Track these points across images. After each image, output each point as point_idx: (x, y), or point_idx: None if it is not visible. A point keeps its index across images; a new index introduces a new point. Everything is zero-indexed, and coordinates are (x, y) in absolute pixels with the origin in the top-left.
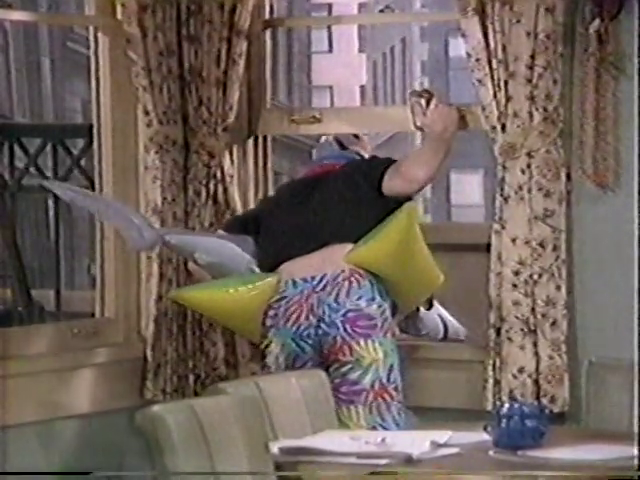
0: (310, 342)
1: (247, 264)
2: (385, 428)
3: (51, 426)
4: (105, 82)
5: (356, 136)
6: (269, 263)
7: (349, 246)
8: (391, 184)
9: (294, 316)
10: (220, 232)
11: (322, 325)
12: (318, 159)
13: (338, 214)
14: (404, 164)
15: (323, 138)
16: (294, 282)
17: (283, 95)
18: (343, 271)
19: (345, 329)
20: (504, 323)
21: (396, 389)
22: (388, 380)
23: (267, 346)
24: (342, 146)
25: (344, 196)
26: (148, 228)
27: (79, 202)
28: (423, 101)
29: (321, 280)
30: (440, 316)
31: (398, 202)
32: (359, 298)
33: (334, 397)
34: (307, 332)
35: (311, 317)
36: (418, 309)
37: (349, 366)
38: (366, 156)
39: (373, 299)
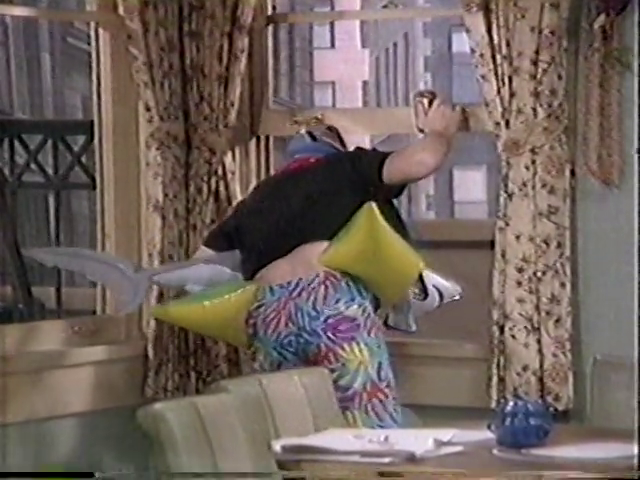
0: (292, 350)
1: (239, 282)
2: (383, 427)
3: (52, 424)
4: (106, 78)
5: (330, 128)
6: (250, 271)
7: (323, 245)
8: (394, 169)
9: (273, 324)
10: (207, 253)
11: (303, 334)
12: (291, 153)
13: (313, 209)
14: (409, 150)
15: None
16: (271, 289)
17: (285, 91)
18: (318, 275)
19: (327, 336)
20: (508, 320)
21: (388, 386)
22: (379, 379)
23: (254, 353)
24: (314, 138)
25: (323, 188)
26: (135, 273)
27: (63, 265)
28: (425, 101)
29: (297, 285)
30: (435, 286)
31: (376, 197)
32: (337, 301)
33: None
34: (288, 340)
35: (290, 325)
36: (409, 304)
37: (337, 372)
38: (341, 149)
39: (352, 299)
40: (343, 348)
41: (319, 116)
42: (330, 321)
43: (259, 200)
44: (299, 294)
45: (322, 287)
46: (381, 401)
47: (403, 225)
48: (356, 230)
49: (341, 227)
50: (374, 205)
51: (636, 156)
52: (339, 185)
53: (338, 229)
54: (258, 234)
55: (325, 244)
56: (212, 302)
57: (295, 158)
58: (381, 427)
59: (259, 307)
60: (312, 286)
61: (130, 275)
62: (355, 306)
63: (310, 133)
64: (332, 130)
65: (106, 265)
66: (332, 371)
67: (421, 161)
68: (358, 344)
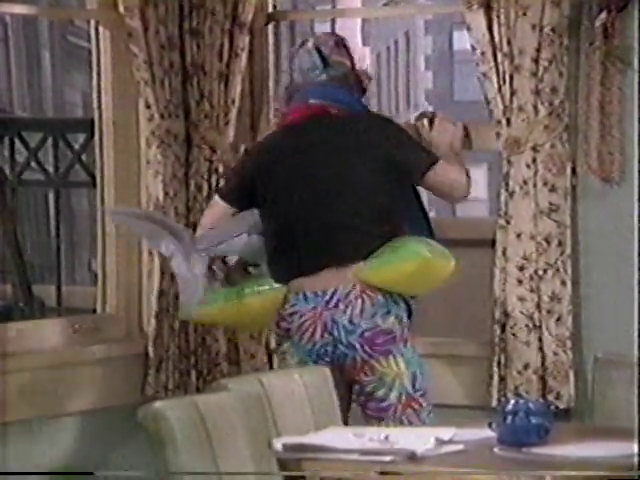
0: (327, 359)
1: (266, 279)
2: None
3: (52, 422)
4: (106, 76)
5: (337, 43)
6: (276, 263)
7: (359, 259)
8: (436, 184)
9: (308, 333)
10: (230, 211)
11: (339, 346)
12: (304, 93)
13: (350, 202)
14: (453, 174)
15: (300, 44)
16: (305, 296)
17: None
18: (354, 287)
19: (364, 350)
20: (509, 319)
21: (423, 395)
22: (414, 389)
23: (283, 355)
24: (323, 60)
25: (358, 168)
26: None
27: (134, 228)
28: (426, 121)
29: (332, 295)
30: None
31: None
32: (374, 315)
33: (362, 413)
34: (324, 349)
35: (326, 335)
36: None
37: (373, 384)
38: (349, 67)
39: (389, 312)
40: (379, 362)
41: None
42: (367, 335)
43: (281, 165)
44: (335, 305)
45: (359, 300)
46: (415, 410)
47: (428, 220)
48: (408, 263)
49: (376, 243)
50: (430, 255)
51: (636, 155)
52: (376, 167)
53: (375, 247)
54: (286, 223)
55: (361, 260)
56: (244, 301)
57: (310, 104)
58: None
59: (293, 313)
60: (349, 299)
61: (187, 263)
62: (392, 318)
63: (318, 49)
64: (339, 45)
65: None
66: (368, 383)
67: (459, 198)
68: (394, 357)
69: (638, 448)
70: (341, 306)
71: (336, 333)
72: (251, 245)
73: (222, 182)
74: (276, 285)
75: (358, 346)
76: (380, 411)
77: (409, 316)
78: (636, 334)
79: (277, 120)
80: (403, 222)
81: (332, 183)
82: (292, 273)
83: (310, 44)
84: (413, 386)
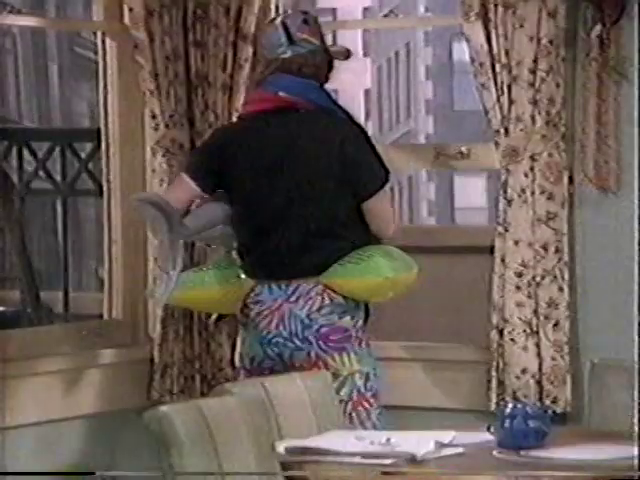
0: (277, 351)
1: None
2: None
3: (59, 426)
4: (112, 86)
5: (306, 20)
6: (244, 249)
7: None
8: (372, 212)
9: (265, 322)
10: (197, 190)
11: (295, 340)
12: (272, 84)
13: (313, 203)
14: (388, 208)
15: (270, 20)
16: (270, 288)
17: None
18: (317, 285)
19: (319, 345)
20: (507, 324)
21: (374, 396)
22: (365, 388)
23: (241, 343)
24: (289, 37)
25: (320, 173)
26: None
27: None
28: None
29: (295, 290)
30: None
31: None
32: (332, 312)
33: None
34: (275, 340)
35: (281, 327)
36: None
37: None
38: (319, 46)
39: (346, 311)
40: (333, 358)
41: None
42: (323, 330)
43: (247, 156)
44: (296, 300)
45: (319, 298)
46: (366, 409)
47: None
48: (367, 281)
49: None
50: (392, 275)
51: (635, 163)
52: (336, 172)
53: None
54: (253, 221)
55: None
56: (217, 289)
57: (279, 96)
58: None
59: (256, 302)
60: (309, 295)
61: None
62: (348, 317)
63: (285, 25)
64: (308, 22)
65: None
66: None
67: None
68: (348, 354)
69: (638, 450)
70: (301, 301)
71: (293, 327)
72: (227, 235)
73: (187, 159)
74: (244, 279)
75: (313, 341)
76: None
77: (366, 319)
78: (636, 340)
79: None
80: (365, 227)
81: (298, 183)
82: (260, 270)
83: (278, 20)
84: (365, 385)
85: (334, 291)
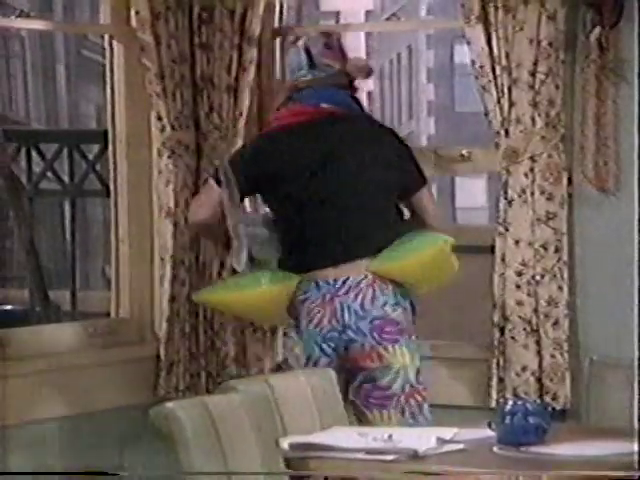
0: (333, 346)
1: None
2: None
3: (67, 422)
4: (119, 89)
5: (327, 44)
6: (291, 257)
7: (371, 250)
8: (418, 208)
9: (316, 319)
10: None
11: (349, 332)
12: (305, 97)
13: (364, 217)
14: (433, 204)
15: (292, 41)
16: (317, 283)
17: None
18: (366, 276)
19: (373, 336)
20: (508, 323)
21: (425, 389)
22: (417, 381)
23: (291, 344)
24: (310, 59)
25: (365, 169)
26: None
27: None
28: None
29: (344, 283)
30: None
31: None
32: (384, 304)
33: (364, 401)
34: (330, 335)
35: (334, 321)
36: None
37: (378, 372)
38: (338, 68)
39: (397, 304)
40: (387, 349)
41: None
42: (376, 322)
43: (296, 161)
44: (346, 292)
45: (370, 289)
46: (418, 403)
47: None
48: (428, 253)
49: (388, 237)
50: (452, 240)
51: (636, 164)
52: (383, 170)
53: (387, 241)
54: (301, 217)
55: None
56: (256, 290)
57: (319, 107)
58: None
59: (304, 300)
60: (360, 287)
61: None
62: (400, 310)
63: (307, 50)
64: (330, 46)
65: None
66: (374, 370)
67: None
68: (401, 347)
69: (638, 448)
70: (351, 294)
71: (347, 318)
72: (271, 241)
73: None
74: (289, 277)
75: (367, 332)
76: (384, 399)
77: (413, 313)
78: (636, 338)
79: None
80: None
81: (347, 181)
82: (307, 265)
83: (300, 43)
84: (416, 378)
85: (383, 282)
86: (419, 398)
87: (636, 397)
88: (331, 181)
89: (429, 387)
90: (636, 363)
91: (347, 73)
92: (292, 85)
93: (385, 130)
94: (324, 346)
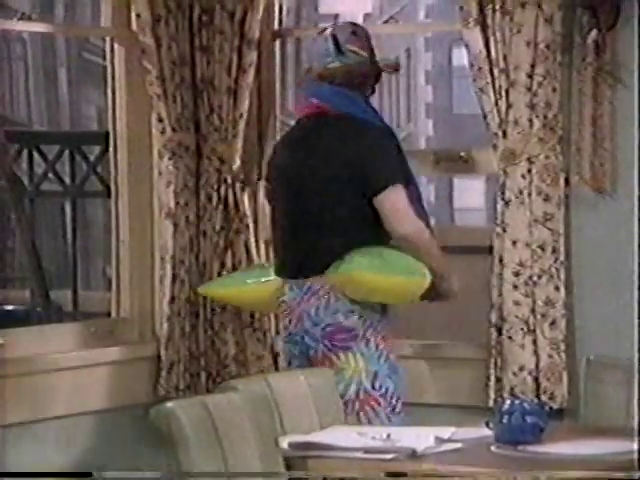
0: (297, 348)
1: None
2: None
3: (68, 422)
4: (120, 91)
5: (354, 32)
6: (275, 262)
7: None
8: (382, 209)
9: (286, 321)
10: None
11: (306, 338)
12: (305, 92)
13: (325, 223)
14: (401, 206)
15: (321, 30)
16: (291, 287)
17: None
18: (325, 284)
19: (324, 344)
20: (505, 323)
21: (383, 395)
22: (373, 388)
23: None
24: (337, 46)
25: (332, 175)
26: None
27: None
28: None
29: (309, 289)
30: None
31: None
32: (336, 312)
33: None
34: (295, 339)
35: (298, 326)
36: None
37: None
38: (365, 58)
39: (352, 312)
40: (338, 356)
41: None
42: (328, 329)
43: (277, 161)
44: (308, 299)
45: (326, 296)
46: (373, 409)
47: (425, 212)
48: (371, 278)
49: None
50: (421, 282)
51: (636, 165)
52: (345, 174)
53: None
54: (279, 222)
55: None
56: (247, 286)
57: (310, 102)
58: None
59: (281, 303)
60: (319, 293)
61: None
62: (355, 317)
63: (334, 37)
64: (357, 34)
65: None
66: None
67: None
68: (354, 354)
69: (638, 447)
70: (312, 300)
71: (306, 324)
72: None
73: None
74: (272, 278)
75: (320, 339)
76: None
77: (381, 318)
78: (636, 338)
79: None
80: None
81: (309, 185)
82: (282, 269)
83: (328, 31)
84: (372, 384)
85: (340, 290)
86: (375, 404)
87: (635, 397)
88: (297, 186)
89: (428, 387)
90: (636, 363)
91: (374, 62)
92: (318, 74)
93: (362, 130)
94: (291, 347)
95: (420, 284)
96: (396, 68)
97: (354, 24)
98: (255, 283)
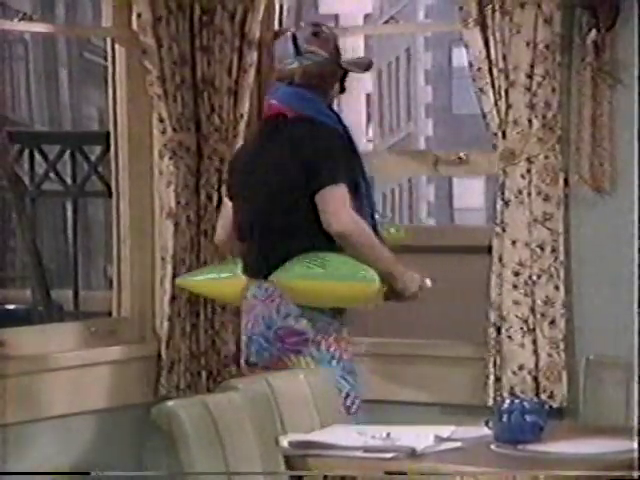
0: (255, 348)
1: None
2: None
3: (70, 421)
4: (121, 91)
5: (315, 33)
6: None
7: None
8: (318, 207)
9: (244, 321)
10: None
11: (260, 339)
12: (269, 92)
13: (275, 225)
14: (333, 207)
15: (283, 32)
16: (251, 286)
17: None
18: (277, 287)
19: (277, 346)
20: (504, 322)
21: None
22: None
23: None
24: (297, 47)
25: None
26: None
27: None
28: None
29: (265, 291)
30: None
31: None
32: (287, 316)
33: None
34: (253, 339)
35: (256, 327)
36: None
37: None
38: (325, 58)
39: (302, 315)
40: (290, 359)
41: None
42: (280, 332)
43: (237, 165)
44: (264, 300)
45: (277, 299)
46: None
47: (373, 219)
48: (314, 284)
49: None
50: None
51: (636, 165)
52: (294, 177)
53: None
54: (237, 222)
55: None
56: (220, 280)
57: (270, 103)
58: None
59: (244, 299)
60: (273, 296)
61: None
62: (305, 321)
63: (295, 38)
64: (318, 35)
65: None
66: None
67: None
68: (305, 357)
69: (638, 447)
70: (267, 302)
71: (261, 326)
72: None
73: None
74: (238, 273)
75: (272, 341)
76: None
77: (333, 318)
78: (635, 337)
79: None
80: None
81: (261, 186)
82: (244, 269)
83: (290, 32)
84: None
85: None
86: None
87: (636, 396)
88: (252, 187)
89: (428, 385)
90: (636, 362)
91: (338, 64)
92: (277, 75)
93: (313, 131)
94: (251, 347)
95: (366, 289)
96: (366, 68)
97: (317, 25)
98: (228, 277)
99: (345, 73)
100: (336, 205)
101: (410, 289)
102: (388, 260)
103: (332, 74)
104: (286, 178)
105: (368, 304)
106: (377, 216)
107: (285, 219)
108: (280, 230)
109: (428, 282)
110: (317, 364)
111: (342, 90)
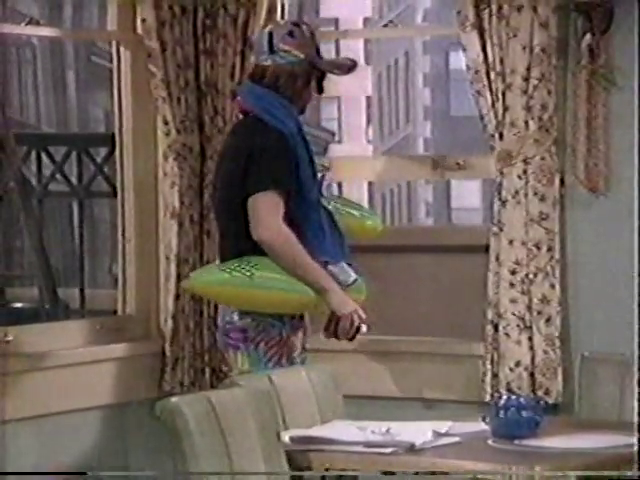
0: (218, 338)
1: None
2: None
3: (74, 417)
4: (126, 93)
5: (291, 33)
6: None
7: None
8: (249, 217)
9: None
10: None
11: (218, 332)
12: (238, 89)
13: (223, 223)
14: (261, 213)
15: (263, 27)
16: None
17: None
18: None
19: (223, 340)
20: (501, 320)
21: None
22: None
23: None
24: (271, 44)
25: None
26: None
27: None
28: None
29: None
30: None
31: None
32: (234, 311)
33: None
34: (219, 329)
35: (218, 319)
36: None
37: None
38: (299, 58)
39: (247, 313)
40: (229, 354)
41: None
42: (227, 326)
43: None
44: None
45: None
46: None
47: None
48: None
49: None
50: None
51: (636, 165)
52: (233, 178)
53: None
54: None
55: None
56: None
57: (237, 100)
58: None
59: None
60: None
61: None
62: (248, 319)
63: (270, 35)
64: (294, 35)
65: None
66: (228, 371)
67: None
68: (242, 354)
69: (638, 444)
70: None
71: (220, 319)
72: None
73: None
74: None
75: (220, 335)
76: None
77: (278, 321)
78: (636, 334)
79: None
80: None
81: (218, 187)
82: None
83: (267, 29)
84: None
85: None
86: None
87: (635, 393)
88: (215, 186)
89: (426, 382)
90: (636, 361)
91: (315, 65)
92: (250, 71)
93: (260, 132)
94: (220, 341)
95: (301, 298)
96: (348, 70)
97: (296, 24)
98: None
99: (323, 74)
100: (262, 213)
101: (341, 310)
102: (315, 273)
103: (305, 75)
104: (228, 179)
105: (308, 312)
106: (328, 198)
107: (227, 221)
108: (224, 231)
109: (364, 328)
110: (250, 363)
111: (320, 91)
